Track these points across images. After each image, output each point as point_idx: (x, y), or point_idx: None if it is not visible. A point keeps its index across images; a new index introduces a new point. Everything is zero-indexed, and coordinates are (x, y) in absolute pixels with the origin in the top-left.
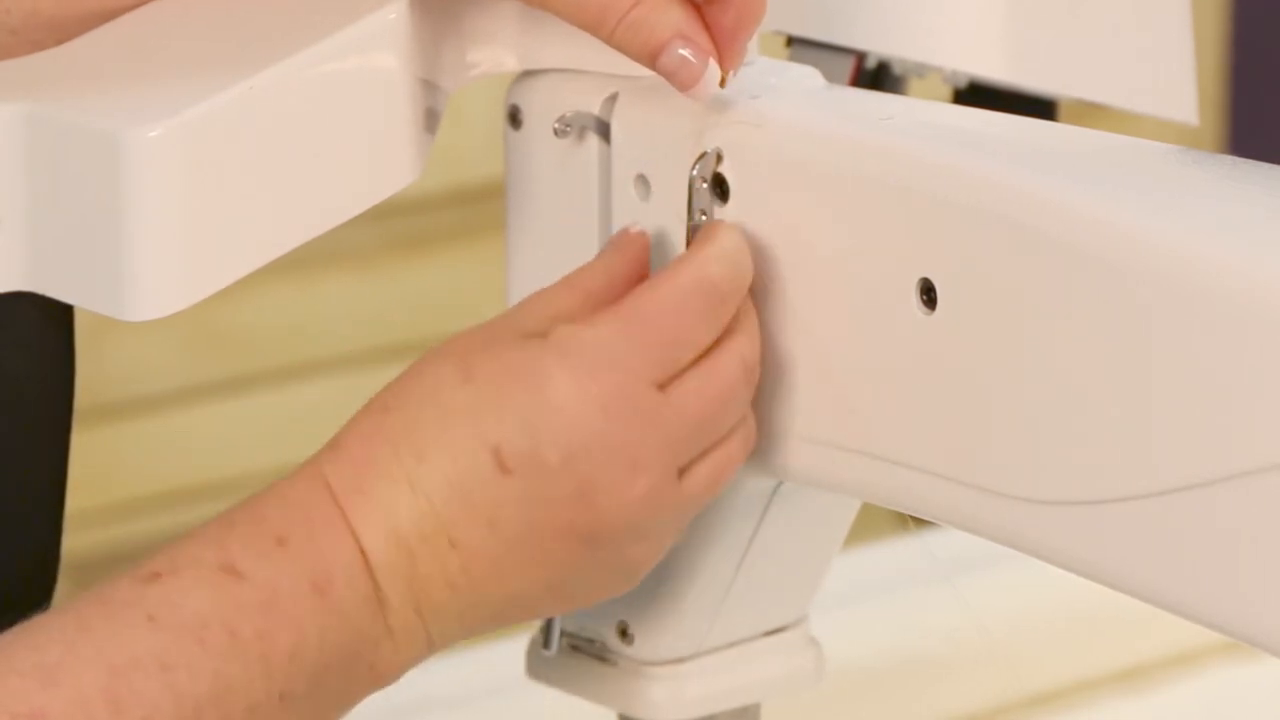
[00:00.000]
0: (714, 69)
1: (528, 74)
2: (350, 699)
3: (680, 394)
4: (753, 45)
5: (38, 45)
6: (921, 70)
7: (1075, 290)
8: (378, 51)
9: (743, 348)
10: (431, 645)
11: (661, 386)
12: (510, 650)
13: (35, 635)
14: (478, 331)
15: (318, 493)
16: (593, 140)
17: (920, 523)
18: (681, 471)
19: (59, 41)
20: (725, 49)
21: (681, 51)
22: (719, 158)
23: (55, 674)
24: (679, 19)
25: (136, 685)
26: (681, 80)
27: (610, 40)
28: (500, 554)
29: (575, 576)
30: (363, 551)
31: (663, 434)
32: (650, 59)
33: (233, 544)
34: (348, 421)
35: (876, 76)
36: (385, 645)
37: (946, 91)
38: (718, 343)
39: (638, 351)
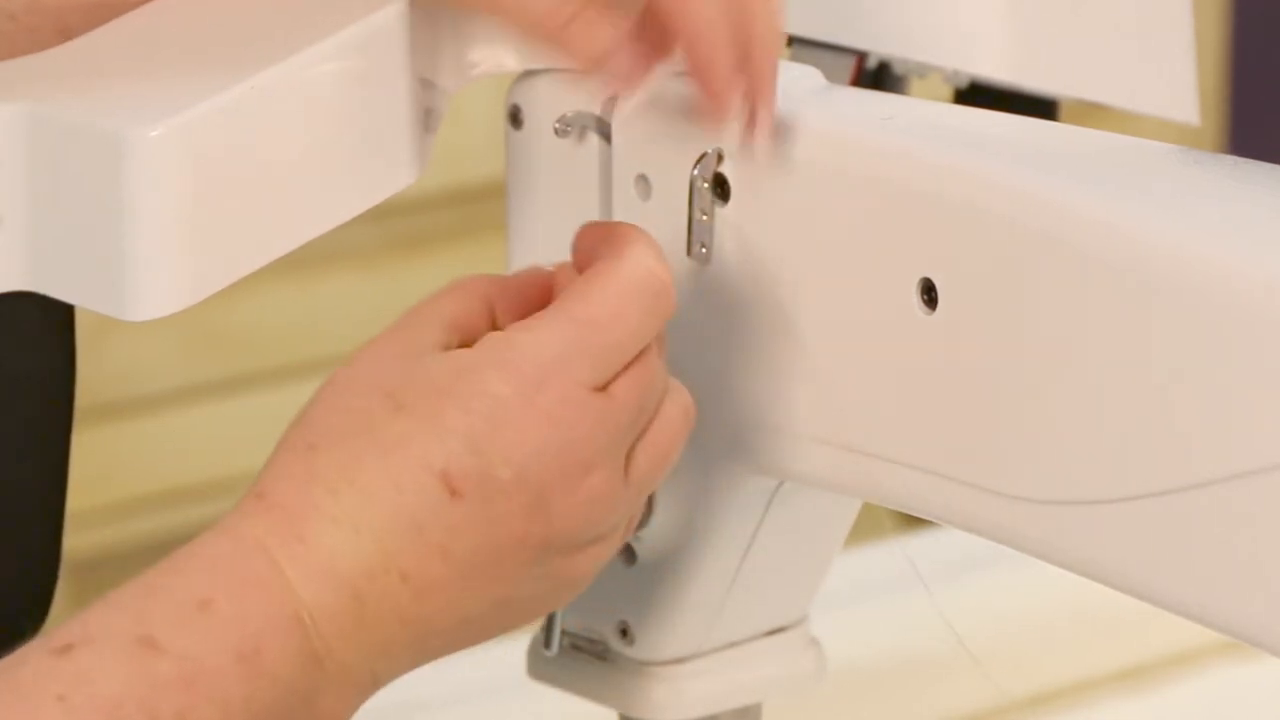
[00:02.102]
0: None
1: (528, 74)
2: None
3: (619, 386)
4: None
5: (35, 31)
6: (923, 70)
7: (1076, 291)
8: (378, 51)
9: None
10: (376, 682)
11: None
12: (510, 650)
13: None
14: (382, 352)
15: (246, 549)
16: (594, 140)
17: (920, 522)
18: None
19: (58, 29)
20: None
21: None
22: (720, 158)
23: None
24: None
25: None
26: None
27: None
28: (454, 580)
29: (524, 590)
30: (298, 606)
31: (612, 426)
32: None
33: (151, 611)
34: (266, 466)
35: (878, 76)
36: (326, 695)
37: (948, 91)
38: None
39: (580, 355)
